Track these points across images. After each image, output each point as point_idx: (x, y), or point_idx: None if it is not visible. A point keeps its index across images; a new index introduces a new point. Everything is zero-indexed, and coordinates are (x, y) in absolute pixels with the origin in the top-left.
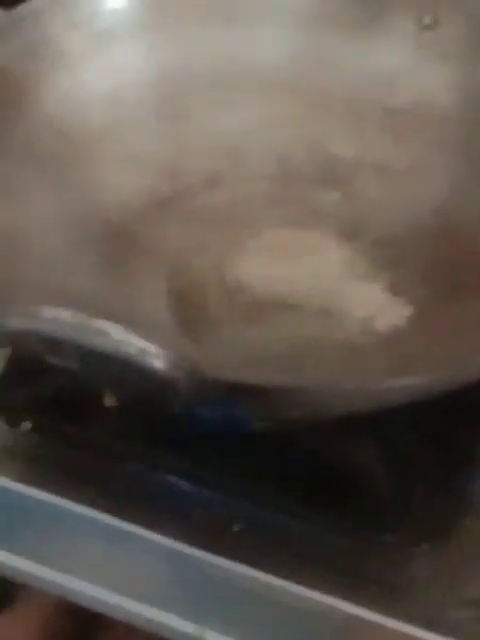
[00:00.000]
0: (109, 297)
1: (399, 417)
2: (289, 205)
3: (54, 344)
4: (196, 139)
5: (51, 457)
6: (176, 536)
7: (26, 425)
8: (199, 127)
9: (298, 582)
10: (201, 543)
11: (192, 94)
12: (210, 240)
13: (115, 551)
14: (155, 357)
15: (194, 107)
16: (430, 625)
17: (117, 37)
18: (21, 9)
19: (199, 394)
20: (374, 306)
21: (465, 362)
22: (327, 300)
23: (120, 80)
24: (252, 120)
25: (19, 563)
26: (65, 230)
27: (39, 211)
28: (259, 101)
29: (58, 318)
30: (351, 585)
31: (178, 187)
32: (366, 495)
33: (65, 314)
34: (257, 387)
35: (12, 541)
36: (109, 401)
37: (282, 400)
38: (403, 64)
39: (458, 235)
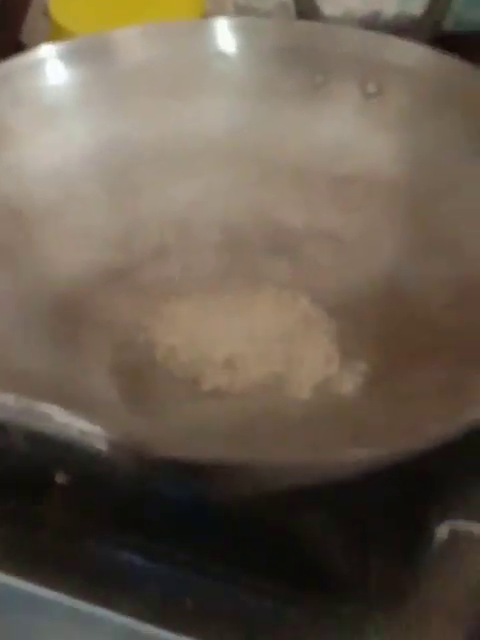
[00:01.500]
0: (57, 375)
1: (351, 486)
2: (237, 274)
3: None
4: (144, 211)
5: (2, 536)
6: (129, 612)
7: None
8: (147, 199)
9: None
10: (153, 619)
11: (139, 167)
12: (157, 313)
13: (70, 629)
14: (97, 438)
15: (141, 180)
16: None
17: (62, 112)
18: None
19: (144, 473)
20: (325, 374)
21: (418, 432)
22: (277, 368)
23: (67, 155)
24: (199, 191)
25: None
26: (16, 307)
27: None
28: (206, 172)
29: (3, 401)
30: None
31: (127, 260)
32: (319, 566)
33: (7, 398)
34: (202, 464)
35: None
36: (61, 479)
37: (229, 476)
38: (349, 133)
39: (409, 302)
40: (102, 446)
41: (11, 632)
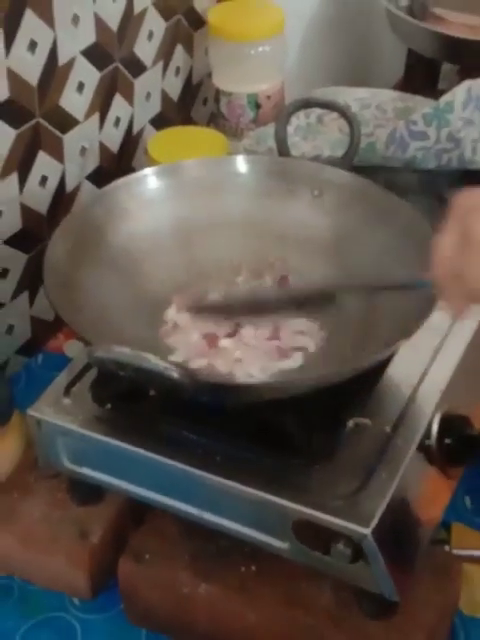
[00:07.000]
0: (151, 338)
1: (303, 397)
2: (243, 288)
3: (120, 365)
4: (197, 255)
5: (121, 422)
6: (187, 463)
7: (108, 405)
8: (198, 248)
9: (253, 487)
10: (199, 466)
11: (194, 232)
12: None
13: (154, 471)
14: (172, 371)
15: (195, 239)
16: (321, 508)
17: (154, 202)
18: (105, 189)
19: (196, 390)
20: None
21: (336, 371)
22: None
23: (157, 224)
24: (225, 244)
25: (104, 477)
26: (130, 304)
27: (116, 295)
28: (228, 235)
29: (122, 351)
30: (278, 486)
31: (187, 280)
32: (286, 438)
33: (126, 350)
34: (224, 384)
35: (101, 466)
36: (152, 392)
37: (236, 391)
38: (305, 216)
39: (345, 297)
40: (174, 375)
41: (122, 470)
